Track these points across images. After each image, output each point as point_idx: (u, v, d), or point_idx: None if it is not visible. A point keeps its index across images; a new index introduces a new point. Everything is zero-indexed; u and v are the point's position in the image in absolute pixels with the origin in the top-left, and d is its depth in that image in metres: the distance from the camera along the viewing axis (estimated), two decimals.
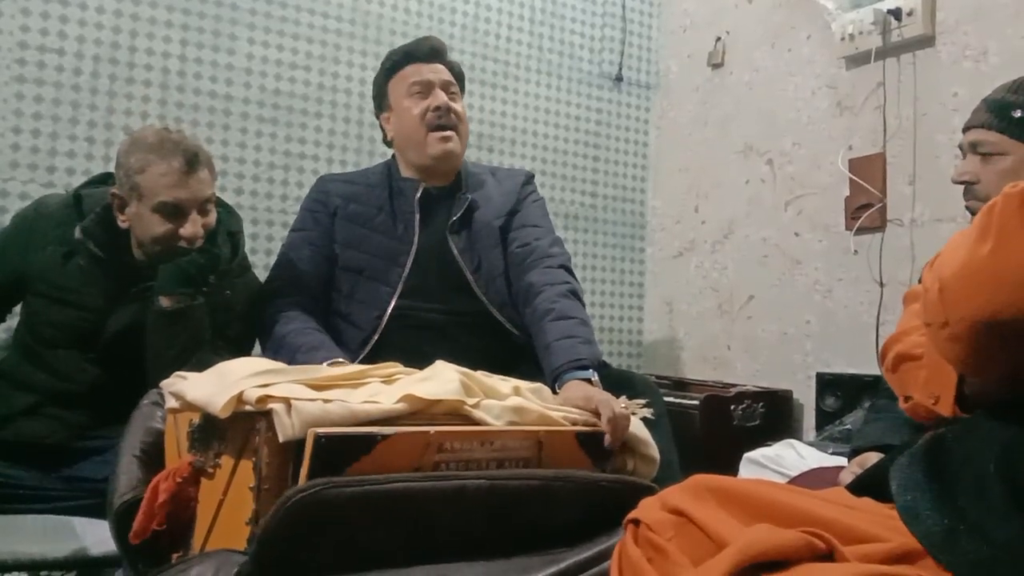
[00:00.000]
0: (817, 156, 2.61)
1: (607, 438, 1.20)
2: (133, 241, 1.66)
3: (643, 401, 1.33)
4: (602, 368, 1.59)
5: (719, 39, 2.99)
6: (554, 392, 1.39)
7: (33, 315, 1.71)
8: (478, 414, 1.11)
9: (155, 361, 1.61)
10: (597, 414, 1.24)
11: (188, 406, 1.13)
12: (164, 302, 1.62)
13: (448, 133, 1.78)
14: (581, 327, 1.60)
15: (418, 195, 1.79)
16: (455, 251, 1.77)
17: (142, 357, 1.64)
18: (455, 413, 1.10)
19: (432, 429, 1.02)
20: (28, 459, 1.59)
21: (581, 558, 0.99)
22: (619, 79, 3.16)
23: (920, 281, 1.49)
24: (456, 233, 1.79)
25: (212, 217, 1.68)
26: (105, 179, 1.74)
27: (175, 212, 1.60)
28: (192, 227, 1.62)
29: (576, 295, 1.71)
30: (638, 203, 3.21)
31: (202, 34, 2.38)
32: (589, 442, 1.17)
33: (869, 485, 0.89)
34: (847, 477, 1.27)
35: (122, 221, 1.64)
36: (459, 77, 1.89)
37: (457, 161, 1.83)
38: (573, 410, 1.24)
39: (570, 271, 1.77)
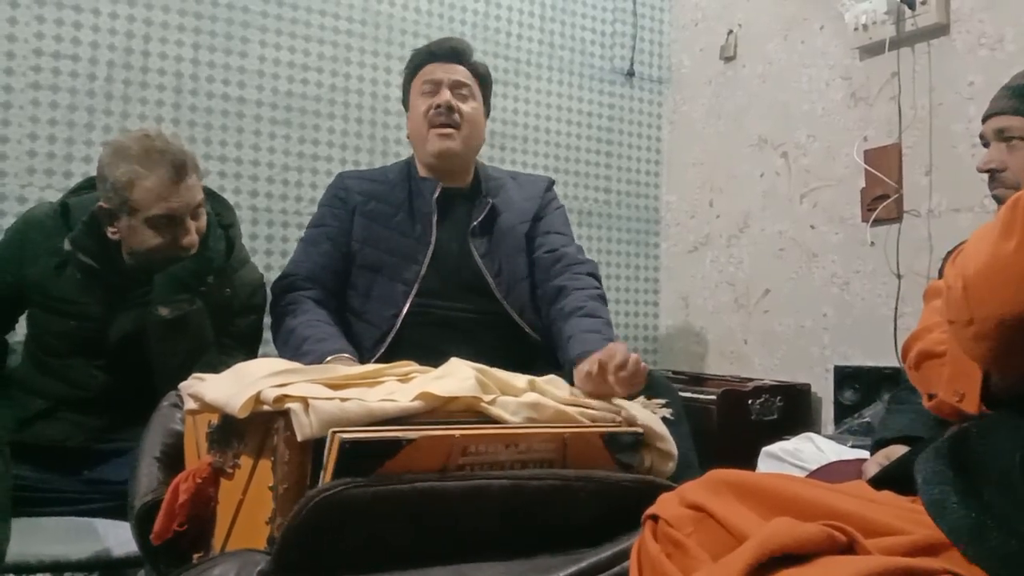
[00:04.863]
0: (832, 148, 2.59)
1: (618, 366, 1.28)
2: (124, 249, 1.65)
3: (662, 401, 1.33)
4: None
5: (731, 32, 2.98)
6: (570, 382, 1.38)
7: (37, 326, 1.71)
8: (495, 411, 1.11)
9: (161, 370, 1.61)
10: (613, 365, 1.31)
11: (207, 407, 1.14)
12: (163, 311, 1.62)
13: (448, 131, 1.78)
14: (607, 327, 1.64)
15: (435, 195, 1.80)
16: (476, 255, 1.78)
17: (150, 360, 1.64)
18: (471, 410, 1.10)
19: (457, 433, 1.02)
20: (49, 462, 1.60)
21: (601, 557, 0.99)
22: (631, 74, 3.15)
23: (940, 274, 1.48)
24: (478, 237, 1.80)
25: (203, 221, 1.67)
26: (91, 184, 1.71)
27: (169, 222, 1.60)
28: (190, 237, 1.63)
29: (604, 300, 1.76)
30: (652, 198, 3.21)
31: (214, 38, 2.40)
32: (614, 442, 1.17)
33: (890, 479, 0.88)
34: (872, 468, 1.26)
35: (112, 233, 1.63)
36: (482, 78, 1.88)
37: (458, 160, 1.83)
38: (591, 402, 1.23)
39: (598, 279, 1.82)
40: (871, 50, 2.47)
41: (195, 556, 1.14)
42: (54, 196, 2.08)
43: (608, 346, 1.40)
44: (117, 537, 1.39)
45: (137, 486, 1.19)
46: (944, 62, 2.29)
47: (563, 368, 1.55)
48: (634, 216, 3.15)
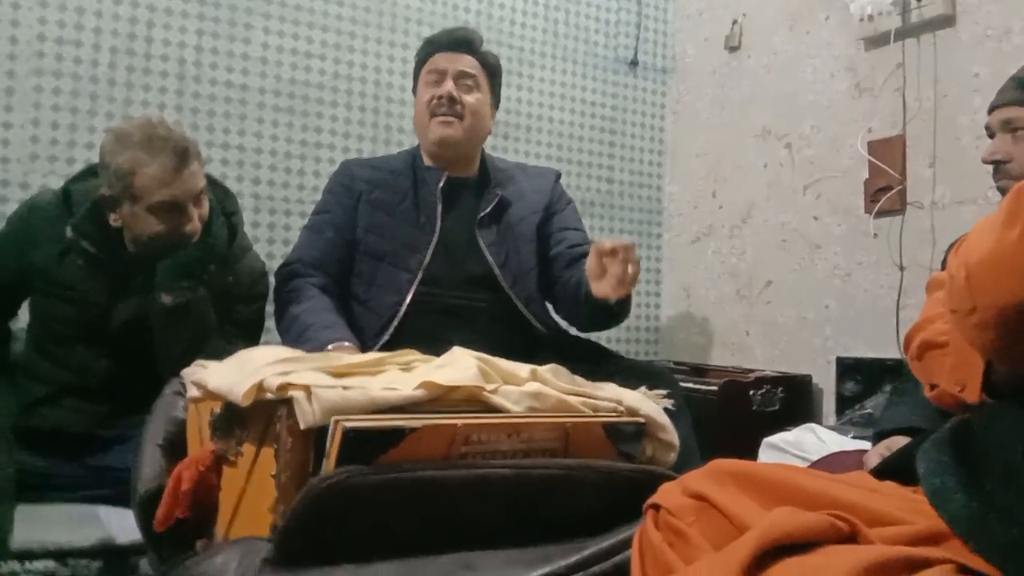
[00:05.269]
0: (836, 139, 2.59)
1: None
2: (127, 236, 1.66)
3: (664, 391, 1.34)
4: (618, 359, 1.64)
5: (736, 22, 2.97)
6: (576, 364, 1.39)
7: (39, 312, 1.72)
8: (496, 400, 1.11)
9: (163, 357, 1.61)
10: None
11: (209, 395, 1.14)
12: (165, 298, 1.62)
13: (448, 119, 1.79)
14: None
15: (440, 184, 1.80)
16: (483, 244, 1.78)
17: (152, 347, 1.65)
18: (474, 399, 1.10)
19: (460, 422, 1.02)
20: (52, 448, 1.61)
21: (603, 546, 0.99)
22: (635, 64, 3.14)
23: (943, 266, 1.47)
24: (485, 227, 1.80)
25: (206, 207, 1.68)
26: (93, 170, 1.71)
27: (172, 209, 1.60)
28: (192, 224, 1.63)
29: None
30: (655, 188, 3.20)
31: (218, 24, 2.39)
32: (616, 432, 1.17)
33: (892, 469, 0.88)
34: (873, 459, 1.27)
35: (114, 220, 1.63)
36: (491, 68, 1.89)
37: (459, 149, 1.84)
38: (592, 393, 1.23)
39: None
40: (876, 41, 2.46)
41: (198, 543, 1.14)
42: (57, 183, 2.07)
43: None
44: (120, 524, 1.40)
45: (140, 473, 1.19)
46: (950, 54, 2.28)
47: (567, 357, 1.55)
48: (637, 206, 3.15)
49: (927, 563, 0.64)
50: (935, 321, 1.11)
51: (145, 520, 1.14)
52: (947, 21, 2.28)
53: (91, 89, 2.22)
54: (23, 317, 1.81)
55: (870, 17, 2.43)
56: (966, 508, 0.70)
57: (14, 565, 1.38)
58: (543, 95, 2.94)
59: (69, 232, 1.63)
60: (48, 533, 1.36)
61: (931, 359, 1.10)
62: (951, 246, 1.35)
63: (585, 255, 1.82)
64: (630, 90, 3.14)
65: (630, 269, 1.53)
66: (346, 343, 1.58)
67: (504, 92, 1.97)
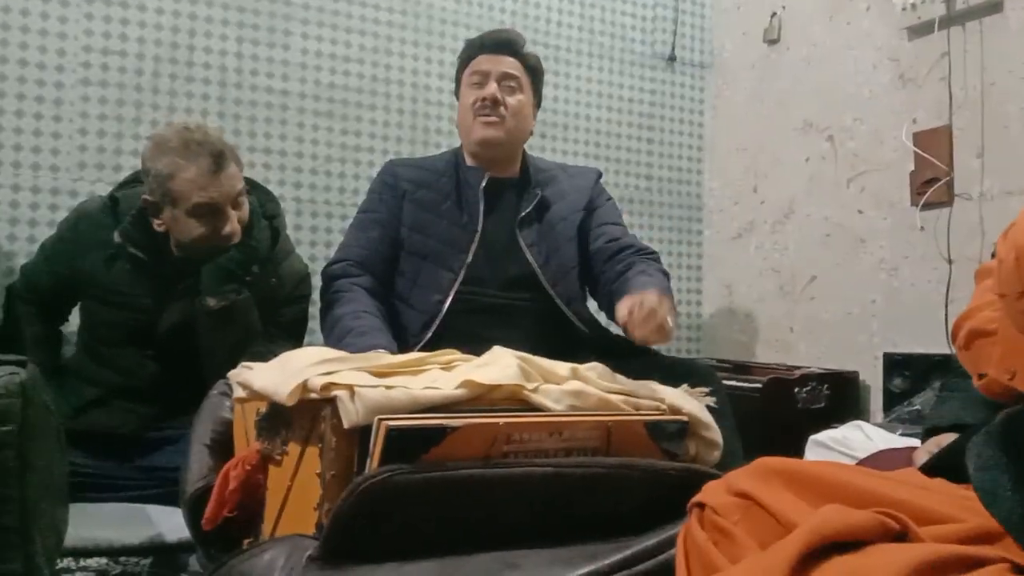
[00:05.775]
0: (880, 131, 2.54)
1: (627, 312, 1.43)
2: (171, 240, 1.69)
3: (706, 389, 1.32)
4: (660, 357, 1.67)
5: (775, 14, 2.93)
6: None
7: (89, 317, 1.76)
8: (537, 399, 1.11)
9: (209, 360, 1.64)
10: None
11: (255, 395, 1.15)
12: (210, 302, 1.65)
13: (491, 120, 1.79)
14: (663, 282, 1.69)
15: (483, 185, 1.81)
16: (523, 244, 1.78)
17: (198, 350, 1.67)
18: (514, 398, 1.11)
19: (501, 420, 1.02)
20: (103, 449, 1.65)
21: (647, 545, 0.99)
22: (672, 59, 3.12)
23: (993, 256, 1.44)
24: (526, 227, 1.81)
25: (245, 210, 1.70)
26: (139, 177, 1.75)
27: (211, 212, 1.63)
28: (231, 225, 1.65)
29: (668, 277, 1.77)
30: (694, 185, 3.17)
31: (257, 31, 2.42)
32: (658, 430, 1.16)
33: (942, 466, 0.86)
34: (922, 456, 1.24)
35: (158, 225, 1.66)
36: (532, 70, 1.89)
37: (501, 149, 1.84)
38: (634, 391, 1.23)
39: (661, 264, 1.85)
40: (920, 30, 2.41)
41: (245, 541, 1.16)
42: (104, 190, 2.12)
43: (646, 292, 1.48)
44: (170, 523, 1.42)
45: (188, 473, 1.22)
46: (997, 41, 2.23)
47: (608, 355, 1.55)
48: (676, 203, 3.12)
49: (980, 562, 0.63)
50: (983, 309, 1.09)
51: (193, 519, 1.16)
52: (994, 7, 2.23)
53: (136, 98, 2.27)
54: (74, 321, 1.85)
55: (913, 5, 2.38)
56: (1019, 505, 0.68)
57: (68, 562, 1.42)
58: (580, 93, 2.93)
59: (116, 238, 1.67)
60: (100, 531, 1.39)
61: (980, 348, 1.07)
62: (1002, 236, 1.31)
63: (624, 248, 1.81)
64: (668, 86, 3.12)
65: (668, 323, 1.46)
66: (382, 350, 1.59)
67: (541, 90, 1.99)
